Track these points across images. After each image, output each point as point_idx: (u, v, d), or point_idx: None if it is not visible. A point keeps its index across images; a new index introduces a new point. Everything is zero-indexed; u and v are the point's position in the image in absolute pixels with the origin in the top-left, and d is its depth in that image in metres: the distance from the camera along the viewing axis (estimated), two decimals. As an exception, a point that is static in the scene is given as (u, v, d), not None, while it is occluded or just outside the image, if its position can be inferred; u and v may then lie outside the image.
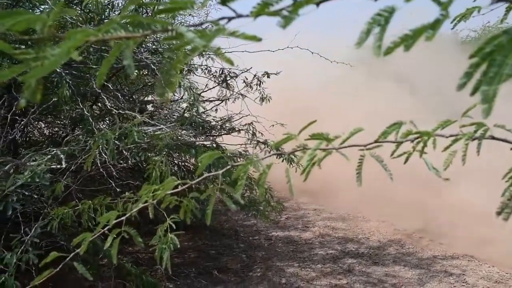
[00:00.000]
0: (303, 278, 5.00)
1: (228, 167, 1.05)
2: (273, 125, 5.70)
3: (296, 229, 6.64)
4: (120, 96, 3.69)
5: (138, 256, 4.98)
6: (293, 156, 4.93)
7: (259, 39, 0.66)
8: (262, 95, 5.22)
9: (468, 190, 6.62)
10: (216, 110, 5.20)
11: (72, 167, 2.75)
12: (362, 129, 1.03)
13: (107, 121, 4.19)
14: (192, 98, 3.50)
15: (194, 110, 3.83)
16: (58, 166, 2.58)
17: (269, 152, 4.87)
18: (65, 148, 2.64)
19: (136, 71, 4.22)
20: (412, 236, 6.20)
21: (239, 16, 0.62)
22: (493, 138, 0.99)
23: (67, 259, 1.16)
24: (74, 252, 1.13)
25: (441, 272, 5.06)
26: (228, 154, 3.37)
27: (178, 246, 2.14)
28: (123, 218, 1.15)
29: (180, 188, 1.06)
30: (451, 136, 1.01)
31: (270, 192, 3.90)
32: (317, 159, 1.01)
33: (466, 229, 5.84)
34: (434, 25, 0.44)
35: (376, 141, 1.00)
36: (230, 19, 0.63)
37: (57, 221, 2.46)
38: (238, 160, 3.92)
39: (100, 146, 2.51)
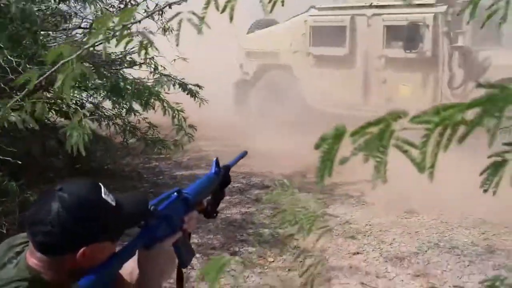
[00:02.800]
0: (213, 209, 5.01)
1: None
2: (174, 60, 5.51)
3: (200, 168, 6.60)
4: None
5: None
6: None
7: None
8: (164, 26, 4.99)
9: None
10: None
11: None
12: None
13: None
14: (99, 11, 3.22)
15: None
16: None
17: (173, 86, 4.72)
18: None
19: None
20: (312, 167, 6.45)
21: None
22: None
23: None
24: None
25: (343, 195, 5.37)
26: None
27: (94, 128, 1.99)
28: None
29: None
30: None
31: (182, 115, 3.78)
32: None
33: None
34: None
35: None
36: None
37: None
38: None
39: None
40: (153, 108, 3.72)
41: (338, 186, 5.66)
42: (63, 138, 6.03)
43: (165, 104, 3.73)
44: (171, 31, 5.12)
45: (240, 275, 3.65)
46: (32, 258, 1.10)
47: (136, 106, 3.79)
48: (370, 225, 4.52)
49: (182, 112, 3.83)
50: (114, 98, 4.64)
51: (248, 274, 3.66)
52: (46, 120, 5.58)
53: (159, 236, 1.26)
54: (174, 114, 3.76)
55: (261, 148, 6.16)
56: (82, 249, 1.08)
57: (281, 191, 1.83)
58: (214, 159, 1.57)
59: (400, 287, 3.46)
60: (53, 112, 5.32)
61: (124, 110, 4.99)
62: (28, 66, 2.97)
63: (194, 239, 4.22)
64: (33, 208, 1.10)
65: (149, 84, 3.75)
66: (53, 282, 1.10)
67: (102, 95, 5.44)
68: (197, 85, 4.67)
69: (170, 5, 4.95)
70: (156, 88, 3.64)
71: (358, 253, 3.98)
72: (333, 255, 3.94)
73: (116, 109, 5.25)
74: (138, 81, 3.70)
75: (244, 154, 1.73)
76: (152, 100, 3.62)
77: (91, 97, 5.61)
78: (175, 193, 1.34)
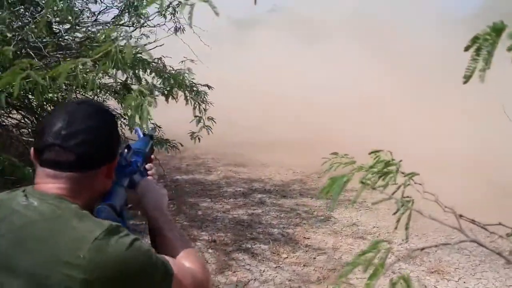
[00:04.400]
0: (218, 210, 4.99)
1: None
2: (182, 61, 5.52)
3: (200, 173, 6.58)
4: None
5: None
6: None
7: None
8: (176, 25, 5.01)
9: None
10: (131, 37, 4.88)
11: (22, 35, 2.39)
12: None
13: None
14: None
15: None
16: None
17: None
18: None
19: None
20: (311, 176, 6.52)
21: None
22: None
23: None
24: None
25: (345, 200, 5.39)
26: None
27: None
28: None
29: None
30: None
31: (203, 107, 3.75)
32: None
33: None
34: None
35: None
36: None
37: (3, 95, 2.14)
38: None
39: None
40: (175, 99, 3.72)
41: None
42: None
43: (186, 94, 3.73)
44: (183, 31, 5.15)
45: (256, 269, 3.63)
46: (55, 184, 1.01)
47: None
48: (377, 227, 4.56)
49: (204, 103, 3.84)
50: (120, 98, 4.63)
51: (264, 268, 3.65)
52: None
53: (135, 176, 1.35)
54: (195, 105, 3.76)
55: None
56: (113, 162, 1.10)
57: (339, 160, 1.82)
58: (136, 127, 1.66)
59: (416, 282, 3.49)
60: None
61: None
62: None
63: (205, 236, 4.20)
64: (56, 125, 1.01)
65: (173, 72, 3.74)
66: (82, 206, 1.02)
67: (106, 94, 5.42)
68: (207, 85, 4.66)
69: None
70: (181, 77, 3.64)
71: (370, 252, 3.99)
72: (346, 253, 3.96)
73: (121, 109, 5.21)
74: (163, 68, 3.70)
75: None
76: (175, 89, 3.62)
77: (95, 96, 5.58)
78: (126, 148, 1.40)
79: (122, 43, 3.49)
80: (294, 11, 16.48)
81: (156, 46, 5.19)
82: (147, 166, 1.46)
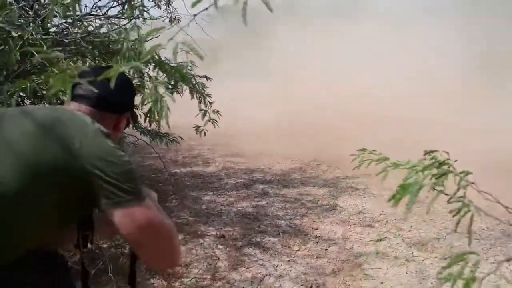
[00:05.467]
0: (222, 203, 4.92)
1: None
2: (177, 52, 5.39)
3: (198, 165, 6.50)
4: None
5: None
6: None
7: None
8: (172, 15, 4.88)
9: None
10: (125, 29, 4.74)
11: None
12: None
13: None
14: None
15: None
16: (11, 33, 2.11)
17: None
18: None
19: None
20: (310, 164, 6.47)
21: None
22: None
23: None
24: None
25: (348, 188, 5.38)
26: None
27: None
28: None
29: None
30: None
31: (209, 101, 3.64)
32: None
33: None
34: None
35: None
36: None
37: (14, 97, 2.04)
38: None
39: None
40: (179, 93, 3.61)
41: (341, 180, 5.68)
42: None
43: (191, 88, 3.63)
44: (178, 21, 5.01)
45: (269, 263, 3.58)
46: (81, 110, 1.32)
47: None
48: (384, 214, 4.54)
49: (209, 96, 3.73)
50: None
51: (277, 263, 3.60)
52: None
53: None
54: (201, 98, 3.67)
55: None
56: (124, 115, 1.43)
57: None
58: None
59: (431, 269, 3.47)
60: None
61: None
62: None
63: (213, 232, 4.13)
64: (90, 75, 1.24)
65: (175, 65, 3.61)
66: None
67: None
68: (205, 77, 4.52)
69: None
70: (185, 70, 3.51)
71: (380, 239, 3.98)
72: (356, 243, 3.93)
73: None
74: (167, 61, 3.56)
75: None
76: (180, 83, 3.51)
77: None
78: None
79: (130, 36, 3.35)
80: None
81: (152, 38, 5.03)
82: None
